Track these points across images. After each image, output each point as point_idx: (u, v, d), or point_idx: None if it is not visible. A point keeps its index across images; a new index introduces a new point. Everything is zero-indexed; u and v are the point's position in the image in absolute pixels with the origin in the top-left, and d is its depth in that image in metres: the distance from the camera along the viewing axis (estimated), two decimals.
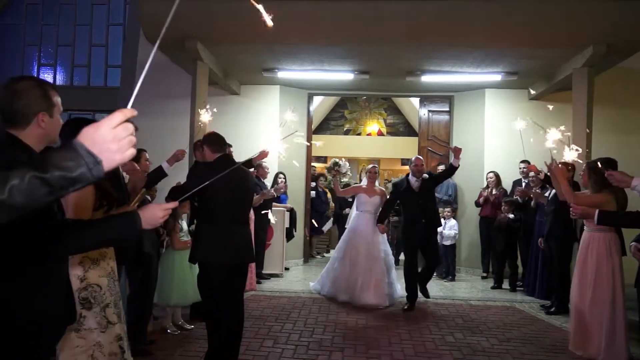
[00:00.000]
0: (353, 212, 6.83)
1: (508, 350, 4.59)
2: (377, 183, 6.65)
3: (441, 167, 8.02)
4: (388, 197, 6.55)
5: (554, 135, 4.48)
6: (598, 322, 4.32)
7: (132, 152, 1.17)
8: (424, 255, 6.24)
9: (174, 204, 1.83)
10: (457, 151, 5.89)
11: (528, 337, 5.00)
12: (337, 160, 7.33)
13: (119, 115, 1.14)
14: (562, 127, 4.97)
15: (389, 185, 10.64)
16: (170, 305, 4.78)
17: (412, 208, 6.07)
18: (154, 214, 1.75)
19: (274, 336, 4.81)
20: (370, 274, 6.03)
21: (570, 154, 4.99)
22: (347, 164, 7.01)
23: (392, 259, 6.43)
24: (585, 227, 4.63)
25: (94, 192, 2.60)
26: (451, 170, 6.07)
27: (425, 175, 6.09)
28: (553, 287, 6.16)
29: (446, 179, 6.51)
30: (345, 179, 6.91)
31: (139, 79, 1.32)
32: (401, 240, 7.94)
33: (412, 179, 6.06)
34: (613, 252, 4.38)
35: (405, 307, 5.94)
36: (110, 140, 1.13)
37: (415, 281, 6.08)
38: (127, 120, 1.16)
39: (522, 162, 7.07)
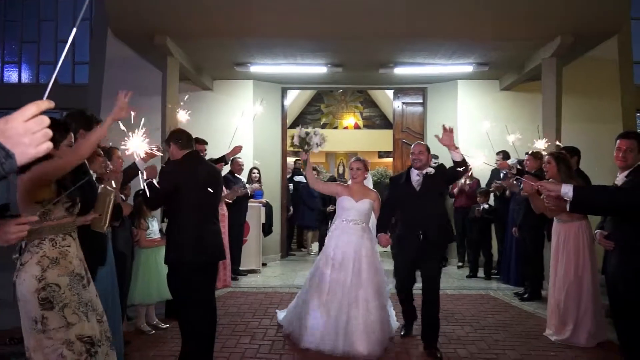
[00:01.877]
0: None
1: (483, 338, 4.66)
2: (370, 182, 4.93)
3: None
4: (388, 192, 4.81)
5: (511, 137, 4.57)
6: (576, 307, 4.44)
7: (47, 145, 1.13)
8: (422, 288, 4.39)
9: (32, 219, 1.77)
10: (447, 139, 4.18)
11: (502, 324, 5.09)
12: (303, 130, 4.94)
13: (31, 108, 1.10)
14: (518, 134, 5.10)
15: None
16: (134, 304, 4.75)
17: (409, 213, 4.39)
18: (6, 230, 1.68)
19: (251, 332, 4.79)
20: (360, 313, 4.21)
21: (541, 143, 5.08)
22: (317, 132, 4.92)
23: (387, 287, 4.59)
24: (555, 218, 4.71)
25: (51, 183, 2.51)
26: (459, 167, 4.22)
27: (431, 170, 4.34)
28: (526, 275, 6.27)
29: (456, 178, 4.92)
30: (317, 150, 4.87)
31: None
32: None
33: (413, 173, 4.42)
34: (589, 239, 4.50)
35: (402, 333, 4.68)
36: (22, 133, 1.09)
37: (412, 306, 4.68)
38: (43, 113, 1.12)
39: (498, 153, 7.12)
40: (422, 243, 4.25)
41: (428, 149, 4.46)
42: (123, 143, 3.30)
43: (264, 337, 4.65)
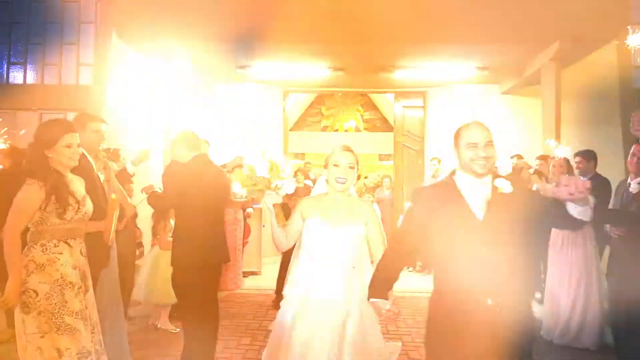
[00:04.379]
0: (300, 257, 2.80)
1: None
2: (353, 190, 2.89)
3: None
4: (404, 216, 2.58)
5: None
6: (582, 309, 4.44)
7: None
8: None
9: None
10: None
11: None
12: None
13: None
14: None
15: (366, 182, 10.51)
16: (153, 303, 4.76)
17: (461, 264, 2.05)
18: None
19: (251, 333, 4.82)
20: None
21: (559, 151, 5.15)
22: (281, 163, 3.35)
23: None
24: None
25: (41, 195, 2.53)
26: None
27: (506, 184, 2.12)
28: None
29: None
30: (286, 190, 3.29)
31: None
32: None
33: (473, 184, 2.16)
34: (592, 242, 4.53)
35: None
36: None
37: None
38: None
39: (512, 157, 7.03)
40: (486, 319, 1.99)
41: None
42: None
43: (264, 338, 4.67)
